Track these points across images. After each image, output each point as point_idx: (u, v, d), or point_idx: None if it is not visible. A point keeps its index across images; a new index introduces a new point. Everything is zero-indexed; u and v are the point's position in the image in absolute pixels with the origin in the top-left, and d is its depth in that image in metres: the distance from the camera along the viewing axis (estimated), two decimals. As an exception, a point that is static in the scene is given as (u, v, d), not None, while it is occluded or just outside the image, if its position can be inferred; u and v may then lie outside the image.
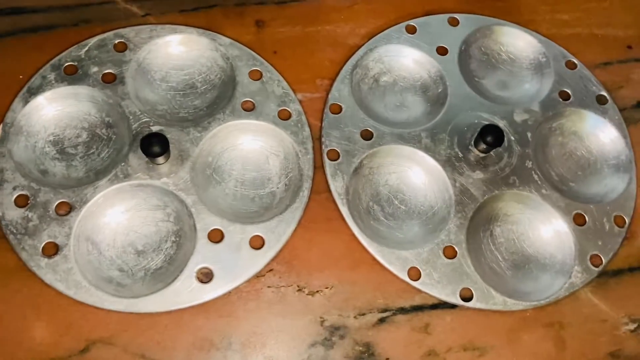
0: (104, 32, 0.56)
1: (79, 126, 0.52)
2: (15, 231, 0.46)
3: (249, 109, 0.54)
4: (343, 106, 0.56)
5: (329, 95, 0.56)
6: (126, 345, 0.46)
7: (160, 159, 0.49)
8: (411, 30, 0.60)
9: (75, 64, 0.53)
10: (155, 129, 0.51)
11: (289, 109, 0.55)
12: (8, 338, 0.45)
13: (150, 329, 0.47)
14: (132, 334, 0.46)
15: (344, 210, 0.51)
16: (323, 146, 0.54)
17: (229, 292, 0.48)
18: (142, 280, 0.47)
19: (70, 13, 0.58)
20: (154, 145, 0.48)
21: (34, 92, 0.51)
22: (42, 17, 0.57)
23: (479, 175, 0.53)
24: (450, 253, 0.50)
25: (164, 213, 0.50)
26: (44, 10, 0.57)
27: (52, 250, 0.46)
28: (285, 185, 0.52)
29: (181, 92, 0.55)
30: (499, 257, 0.51)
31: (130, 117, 0.52)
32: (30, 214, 0.47)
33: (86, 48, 0.54)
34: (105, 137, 0.52)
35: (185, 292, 0.47)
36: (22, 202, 0.48)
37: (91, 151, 0.51)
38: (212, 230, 0.49)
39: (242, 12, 0.61)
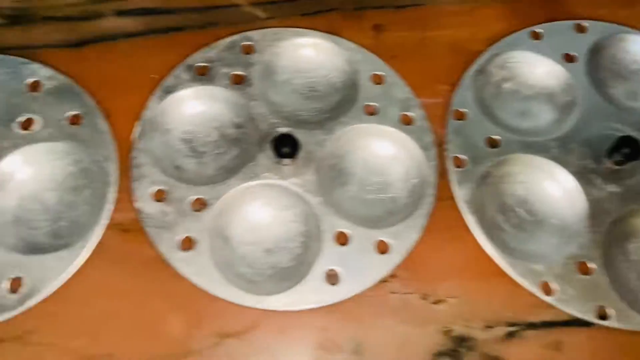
0: (229, 34, 0.58)
1: (210, 125, 0.54)
2: (153, 224, 0.48)
3: (372, 113, 0.54)
4: (467, 112, 0.55)
5: (452, 101, 0.55)
6: (256, 341, 0.47)
7: (288, 160, 0.50)
8: (536, 36, 0.59)
9: (207, 65, 0.55)
10: (283, 130, 0.52)
11: (411, 114, 0.54)
12: (143, 327, 0.47)
13: (279, 327, 0.47)
14: (262, 331, 0.47)
15: (469, 219, 0.50)
16: (447, 153, 0.53)
17: (355, 296, 0.48)
18: (270, 278, 0.48)
19: (198, 15, 0.59)
20: (286, 146, 0.49)
21: (169, 91, 0.53)
22: (173, 19, 0.59)
23: (613, 188, 0.51)
24: (584, 268, 0.48)
25: (292, 213, 0.50)
26: (174, 12, 0.59)
27: (188, 244, 0.48)
28: (408, 191, 0.52)
29: (303, 95, 0.56)
30: (636, 275, 0.49)
31: (259, 118, 0.53)
32: (167, 209, 0.49)
33: (216, 50, 0.56)
34: (233, 137, 0.53)
35: (313, 293, 0.47)
36: (159, 196, 0.49)
37: (221, 150, 0.53)
38: (338, 233, 0.49)
39: (361, 16, 0.61)
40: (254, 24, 0.59)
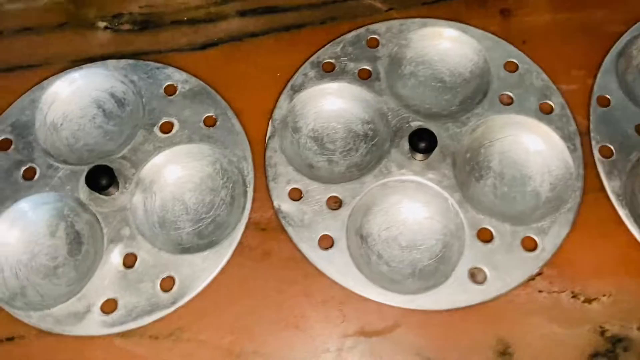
0: (350, 29, 0.57)
1: (337, 122, 0.53)
2: (292, 223, 0.48)
3: (508, 102, 0.52)
4: (611, 99, 0.51)
5: (594, 87, 0.52)
6: (400, 341, 0.46)
7: (422, 155, 0.49)
8: (683, 12, 0.54)
9: (333, 61, 0.54)
10: (415, 124, 0.51)
11: (551, 102, 0.51)
12: (286, 325, 0.47)
13: (424, 326, 0.46)
14: (405, 330, 0.46)
15: (623, 212, 0.47)
16: (593, 142, 0.50)
17: (503, 295, 0.46)
18: (411, 277, 0.47)
19: (318, 11, 0.59)
20: (423, 141, 0.47)
21: (297, 90, 0.53)
22: (293, 16, 0.59)
23: None
24: None
25: (430, 210, 0.49)
26: (294, 9, 0.59)
27: (327, 242, 0.48)
28: (551, 184, 0.49)
29: (432, 87, 0.54)
30: None
31: (389, 113, 0.52)
32: (304, 207, 0.49)
33: (341, 45, 0.55)
34: (361, 133, 0.53)
35: (457, 292, 0.46)
36: (296, 195, 0.49)
37: (349, 147, 0.52)
38: (480, 230, 0.47)
39: (486, 1, 0.59)
40: (375, 16, 0.58)
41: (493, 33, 0.56)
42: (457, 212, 0.48)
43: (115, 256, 0.47)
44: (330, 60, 0.54)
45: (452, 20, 0.56)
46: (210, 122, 0.52)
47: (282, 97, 0.53)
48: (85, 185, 0.49)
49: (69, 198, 0.49)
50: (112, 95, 0.55)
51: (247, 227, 0.49)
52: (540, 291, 0.47)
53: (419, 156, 0.49)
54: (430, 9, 0.58)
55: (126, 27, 0.59)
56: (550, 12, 0.57)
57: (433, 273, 0.47)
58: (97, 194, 0.49)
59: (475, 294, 0.45)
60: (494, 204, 0.49)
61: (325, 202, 0.49)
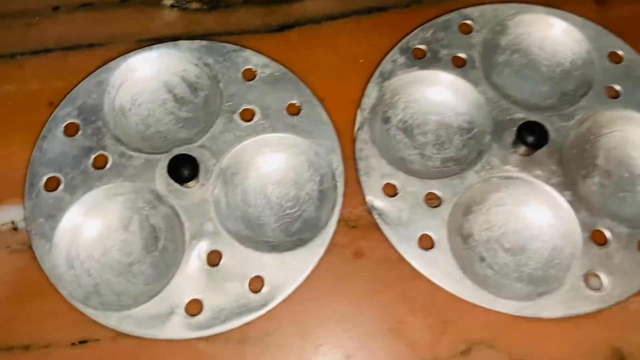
0: (437, 12, 0.53)
1: (428, 112, 0.49)
2: (388, 221, 0.45)
3: (614, 96, 0.48)
4: None
5: None
6: (510, 349, 0.43)
7: (527, 150, 0.45)
8: None
9: (423, 47, 0.50)
10: (517, 117, 0.47)
11: (660, 96, 0.48)
12: (383, 330, 0.43)
13: (533, 335, 0.43)
14: (514, 337, 0.43)
15: None
16: None
17: (621, 301, 0.43)
18: (519, 282, 0.44)
19: (401, -7, 0.55)
20: (533, 135, 0.44)
21: (386, 77, 0.49)
22: (375, -1, 0.55)
23: None
24: None
25: (534, 210, 0.46)
26: (375, -9, 0.55)
27: (427, 242, 0.44)
28: (663, 183, 0.46)
29: (527, 76, 0.51)
30: None
31: (488, 104, 0.48)
32: (401, 204, 0.45)
33: (432, 30, 0.51)
34: (455, 125, 0.49)
35: (572, 299, 0.42)
36: (390, 191, 0.46)
37: (441, 139, 0.49)
38: (594, 232, 0.44)
39: (580, -13, 0.55)
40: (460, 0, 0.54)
41: (590, 21, 0.53)
42: (569, 212, 0.44)
43: (198, 253, 0.43)
44: (420, 46, 0.50)
45: (546, 6, 0.53)
46: (294, 110, 0.48)
47: (371, 84, 0.49)
48: (162, 176, 0.45)
49: (145, 189, 0.45)
50: (184, 78, 0.50)
51: (338, 224, 0.46)
52: (657, 298, 0.44)
53: (524, 151, 0.45)
54: (523, -7, 0.55)
55: (194, 5, 0.55)
56: (648, 1, 0.54)
57: (543, 278, 0.44)
58: (176, 186, 0.45)
59: (591, 302, 0.42)
60: (604, 204, 0.46)
61: (423, 198, 0.45)
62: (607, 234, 0.44)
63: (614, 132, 0.48)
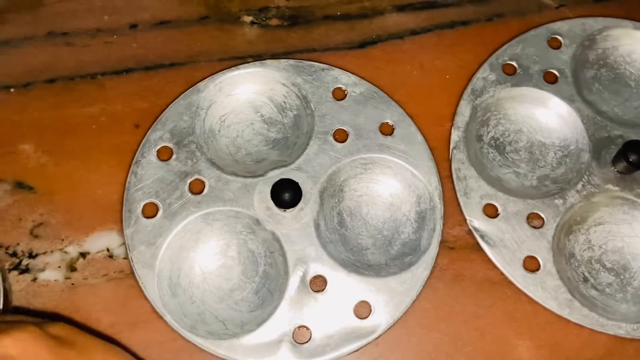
0: (521, 26, 0.53)
1: (520, 129, 0.49)
2: (491, 242, 0.44)
3: None
4: None
5: None
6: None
7: (629, 169, 0.45)
8: None
9: (514, 63, 0.50)
10: (615, 134, 0.47)
11: None
12: (490, 354, 0.43)
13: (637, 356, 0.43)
14: (620, 359, 0.43)
15: None
16: None
17: None
18: (625, 302, 0.44)
19: (482, 7, 0.54)
20: (638, 153, 0.43)
21: (478, 94, 0.49)
22: (455, 12, 0.54)
23: None
24: None
25: (632, 227, 0.45)
26: (455, 5, 0.54)
27: (532, 264, 0.44)
28: None
29: (616, 92, 0.50)
30: None
31: (583, 121, 0.48)
32: (503, 225, 0.45)
33: (521, 45, 0.51)
34: (548, 143, 0.49)
35: (680, 319, 0.42)
36: (491, 212, 0.45)
37: (535, 157, 0.48)
38: (700, 251, 0.44)
39: (663, -2, 0.55)
40: (544, 13, 0.54)
41: (675, 34, 0.52)
42: (670, 231, 0.44)
43: (302, 279, 0.43)
44: (511, 62, 0.50)
45: (628, 19, 0.52)
46: (387, 130, 0.48)
47: (463, 102, 0.49)
48: (261, 200, 0.45)
49: (243, 214, 0.45)
50: (271, 99, 0.50)
51: (439, 246, 0.45)
52: None
53: (625, 169, 0.45)
54: (604, 6, 0.54)
55: (274, 22, 0.54)
56: None
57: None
58: (275, 210, 0.44)
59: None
60: None
61: (525, 219, 0.45)
62: None
63: None
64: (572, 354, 0.43)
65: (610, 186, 0.45)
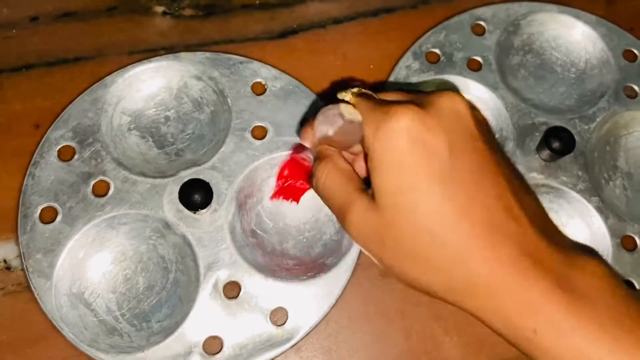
0: (446, 13, 0.51)
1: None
2: (415, 238, 0.43)
3: (632, 95, 0.47)
4: None
5: None
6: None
7: (552, 156, 0.44)
8: None
9: (437, 50, 0.48)
10: (539, 121, 0.46)
11: (678, 95, 0.47)
12: (418, 353, 0.41)
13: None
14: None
15: None
16: None
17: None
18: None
19: (407, -7, 0.53)
20: (560, 141, 0.42)
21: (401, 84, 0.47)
22: (379, 0, 0.52)
23: None
24: None
25: (562, 217, 0.44)
26: (380, -8, 0.53)
27: (458, 259, 0.42)
28: (686, 184, 0.46)
29: (541, 78, 0.49)
30: None
31: (508, 108, 0.46)
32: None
33: (444, 32, 0.49)
34: (476, 132, 0.47)
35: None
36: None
37: (462, 147, 0.47)
38: (624, 237, 0.43)
39: (589, -17, 0.54)
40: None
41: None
42: (598, 219, 0.43)
43: (215, 285, 0.40)
44: (434, 50, 0.48)
45: (556, 4, 0.51)
46: (307, 126, 0.45)
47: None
48: (171, 203, 0.42)
49: (152, 217, 0.42)
50: (186, 94, 0.47)
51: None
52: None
53: (549, 157, 0.44)
54: (531, -9, 0.53)
55: (188, 12, 0.51)
56: (656, -4, 0.53)
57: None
58: (186, 213, 0.41)
59: (627, 311, 0.41)
60: (629, 208, 0.45)
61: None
62: (637, 239, 0.43)
63: (632, 133, 0.47)
64: (499, 349, 0.41)
65: (534, 174, 0.44)
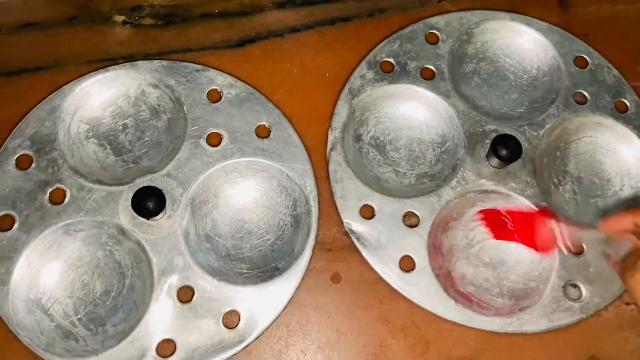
0: (402, 22, 0.52)
1: (400, 127, 0.48)
2: (366, 243, 0.44)
3: (581, 101, 0.49)
4: (685, 95, 0.49)
5: (666, 84, 0.50)
6: (489, 366, 0.42)
7: (501, 163, 0.45)
8: None
9: (391, 60, 0.49)
10: (489, 128, 0.47)
11: (625, 100, 0.49)
12: (367, 353, 0.42)
13: (516, 349, 0.43)
14: (496, 354, 0.42)
15: None
16: (676, 144, 0.47)
17: (600, 310, 0.43)
18: (501, 297, 0.43)
19: (364, 2, 0.53)
20: (507, 148, 0.43)
21: (355, 94, 0.48)
22: (337, 8, 0.53)
23: None
24: None
25: (509, 222, 0.45)
26: (337, 1, 0.53)
27: (409, 264, 0.43)
28: (632, 188, 0.47)
29: (494, 85, 0.50)
30: None
31: (459, 116, 0.47)
32: (378, 226, 0.44)
33: (399, 42, 0.50)
34: (428, 139, 0.48)
35: (553, 311, 0.42)
36: (367, 213, 0.44)
37: (415, 155, 0.48)
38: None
39: (543, -9, 0.55)
40: (426, 7, 0.53)
41: (553, 24, 0.52)
42: (544, 223, 0.44)
43: (168, 290, 0.41)
44: (388, 59, 0.49)
45: (508, 12, 0.53)
46: (263, 133, 0.46)
47: (340, 102, 0.48)
48: (126, 209, 0.42)
49: (108, 224, 0.43)
50: (145, 102, 0.47)
51: (314, 249, 0.44)
52: (627, 304, 0.44)
53: (498, 164, 0.45)
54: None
55: (148, 21, 0.51)
56: (608, 3, 0.54)
57: (524, 291, 0.43)
58: (141, 219, 0.42)
59: (572, 313, 0.42)
60: (578, 211, 0.46)
61: (401, 219, 0.44)
62: (585, 243, 0.44)
63: (582, 138, 0.48)
64: (445, 350, 0.43)
65: (484, 181, 0.45)
